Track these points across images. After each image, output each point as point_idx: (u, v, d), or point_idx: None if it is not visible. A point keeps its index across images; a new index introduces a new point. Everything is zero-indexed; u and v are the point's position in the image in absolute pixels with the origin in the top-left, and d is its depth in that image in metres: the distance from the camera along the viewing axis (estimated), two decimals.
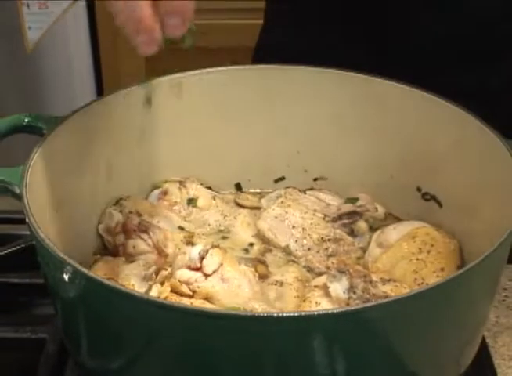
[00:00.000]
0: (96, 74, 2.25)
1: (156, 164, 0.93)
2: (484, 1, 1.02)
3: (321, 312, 0.63)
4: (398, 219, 0.91)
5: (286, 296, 0.79)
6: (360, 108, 0.92)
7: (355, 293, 0.72)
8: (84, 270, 0.65)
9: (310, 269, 0.85)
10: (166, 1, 0.65)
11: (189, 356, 0.65)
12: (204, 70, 0.92)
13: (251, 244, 0.89)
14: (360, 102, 0.91)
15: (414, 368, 0.68)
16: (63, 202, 0.81)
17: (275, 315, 0.62)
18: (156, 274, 0.79)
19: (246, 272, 0.79)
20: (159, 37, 0.66)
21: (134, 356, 0.68)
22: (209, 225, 0.91)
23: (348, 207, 0.89)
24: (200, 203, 0.92)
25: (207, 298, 0.76)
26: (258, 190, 0.98)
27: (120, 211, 0.87)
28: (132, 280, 0.76)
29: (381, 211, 0.92)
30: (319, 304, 0.74)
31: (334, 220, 0.88)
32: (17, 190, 0.75)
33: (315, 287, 0.77)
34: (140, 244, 0.84)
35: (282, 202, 0.89)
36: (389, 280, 0.76)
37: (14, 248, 0.91)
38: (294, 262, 0.85)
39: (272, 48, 1.16)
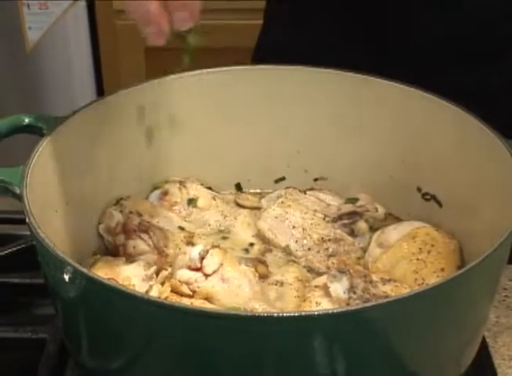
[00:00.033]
0: (96, 75, 2.25)
1: (156, 165, 0.93)
2: (484, 1, 1.02)
3: (321, 312, 0.63)
4: (398, 219, 0.91)
5: (287, 296, 0.79)
6: (360, 108, 0.92)
7: (355, 293, 0.72)
8: (85, 270, 0.65)
9: (310, 269, 0.85)
10: (174, 1, 0.71)
11: (190, 356, 0.65)
12: (204, 71, 0.92)
13: (251, 244, 0.89)
14: (360, 102, 0.92)
15: (414, 368, 0.68)
16: (63, 202, 0.81)
17: (276, 315, 0.62)
18: (157, 274, 0.79)
19: (247, 273, 0.79)
20: (165, 30, 0.72)
21: (134, 356, 0.68)
22: (209, 225, 0.91)
23: (348, 208, 0.89)
24: (200, 203, 0.92)
25: (208, 298, 0.76)
26: (258, 190, 0.98)
27: (121, 212, 0.87)
28: (133, 280, 0.76)
29: (381, 211, 0.92)
30: (319, 304, 0.74)
31: (334, 220, 0.88)
32: (17, 190, 0.75)
33: (316, 287, 0.77)
34: (140, 244, 0.84)
35: (282, 202, 0.89)
36: (389, 280, 0.76)
37: (14, 248, 0.91)
38: (294, 262, 0.86)
39: (271, 48, 1.16)
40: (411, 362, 0.68)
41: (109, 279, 0.72)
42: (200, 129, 0.94)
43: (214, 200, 0.93)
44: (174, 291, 0.77)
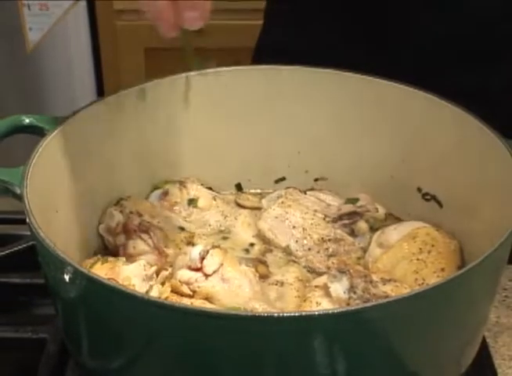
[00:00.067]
0: (97, 75, 2.25)
1: (156, 165, 0.93)
2: (484, 1, 1.02)
3: (321, 312, 0.63)
4: (398, 219, 0.91)
5: (287, 296, 0.79)
6: (360, 108, 0.92)
7: (355, 293, 0.72)
8: (85, 270, 0.66)
9: (310, 269, 0.85)
10: (184, 1, 0.74)
11: (190, 356, 0.65)
12: (204, 71, 0.92)
13: (252, 245, 0.89)
14: (360, 102, 0.92)
15: (414, 368, 0.68)
16: (63, 202, 0.81)
17: (276, 315, 0.62)
18: (157, 274, 0.79)
19: (247, 273, 0.79)
20: (176, 25, 0.76)
21: (134, 356, 0.68)
22: (209, 225, 0.91)
23: (349, 208, 0.89)
24: (200, 203, 0.92)
25: (208, 298, 0.76)
26: (259, 191, 0.98)
27: (121, 212, 0.87)
28: (133, 280, 0.76)
29: (382, 211, 0.92)
30: (319, 304, 0.74)
31: (335, 220, 0.88)
32: (18, 191, 0.76)
33: (316, 287, 0.77)
34: (141, 244, 0.84)
35: (282, 202, 0.89)
36: (389, 280, 0.76)
37: (15, 249, 0.91)
38: (295, 262, 0.86)
39: (271, 49, 1.16)
40: (411, 362, 0.68)
41: (109, 279, 0.72)
42: (200, 129, 0.94)
43: (215, 200, 0.93)
44: (175, 291, 0.77)
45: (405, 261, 0.81)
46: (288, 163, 0.97)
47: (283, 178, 0.97)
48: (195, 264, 0.78)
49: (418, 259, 0.80)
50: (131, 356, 0.69)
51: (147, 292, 0.75)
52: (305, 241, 0.86)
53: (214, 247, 0.79)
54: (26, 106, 2.11)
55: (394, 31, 1.06)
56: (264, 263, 0.84)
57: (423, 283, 0.78)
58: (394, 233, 0.85)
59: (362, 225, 0.88)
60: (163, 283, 0.78)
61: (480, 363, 0.77)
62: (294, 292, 0.79)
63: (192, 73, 0.91)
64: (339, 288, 0.73)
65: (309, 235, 0.87)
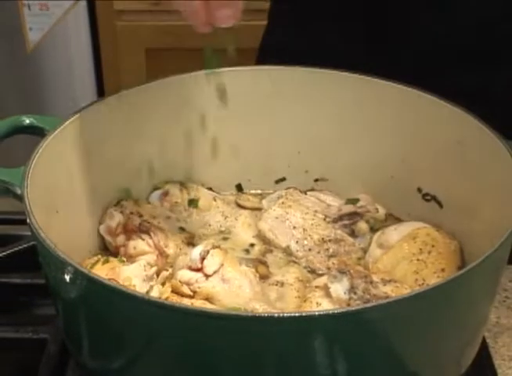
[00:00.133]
0: (97, 75, 2.25)
1: (157, 165, 0.93)
2: (484, 1, 1.02)
3: (322, 313, 0.63)
4: (398, 220, 0.91)
5: (287, 296, 0.79)
6: (360, 108, 0.92)
7: (355, 293, 0.72)
8: (86, 271, 0.66)
9: (311, 270, 0.85)
10: (216, 1, 0.75)
11: (190, 356, 0.65)
12: (204, 72, 0.92)
13: (252, 245, 0.89)
14: (360, 102, 0.92)
15: (414, 368, 0.68)
16: (63, 203, 0.81)
17: (276, 315, 0.62)
18: (157, 275, 0.79)
19: (247, 273, 0.79)
20: (209, 22, 0.77)
21: (135, 357, 0.68)
22: (210, 225, 0.91)
23: (349, 208, 0.89)
24: (200, 204, 0.92)
25: (208, 299, 0.76)
26: (259, 191, 0.98)
27: (121, 212, 0.87)
28: (133, 280, 0.76)
29: (382, 211, 0.92)
30: (319, 304, 0.74)
31: (335, 221, 0.88)
32: (18, 191, 0.76)
33: (316, 287, 0.77)
34: (141, 244, 0.84)
35: (282, 203, 0.89)
36: (390, 281, 0.76)
37: (15, 249, 0.91)
38: (295, 262, 0.86)
39: (275, 49, 1.16)
40: (411, 362, 0.68)
41: (109, 279, 0.72)
42: (200, 130, 0.94)
43: (215, 200, 0.93)
44: (175, 291, 0.77)
45: (406, 261, 0.81)
46: (288, 163, 0.97)
47: (284, 179, 0.97)
48: (195, 264, 0.78)
49: (418, 260, 0.81)
50: (132, 356, 0.69)
51: (148, 292, 0.75)
52: (306, 242, 0.86)
53: (214, 247, 0.79)
54: (26, 107, 2.11)
55: (394, 31, 1.06)
56: (264, 264, 0.84)
57: (423, 284, 0.78)
58: (394, 234, 0.85)
59: (363, 225, 0.88)
60: (163, 284, 0.78)
61: (480, 363, 0.77)
62: (295, 293, 0.79)
63: (193, 73, 0.91)
64: (339, 289, 0.73)
65: (309, 235, 0.87)
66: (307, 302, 0.75)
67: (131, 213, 0.87)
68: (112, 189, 0.89)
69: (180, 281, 0.77)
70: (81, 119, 0.84)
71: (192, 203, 0.92)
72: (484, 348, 0.80)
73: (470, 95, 0.85)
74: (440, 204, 0.89)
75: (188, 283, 0.77)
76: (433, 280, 0.78)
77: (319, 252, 0.86)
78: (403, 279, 0.79)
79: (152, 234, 0.84)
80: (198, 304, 0.75)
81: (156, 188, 0.93)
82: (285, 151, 0.96)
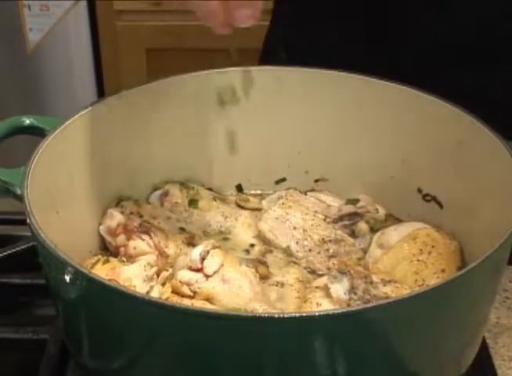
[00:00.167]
0: (97, 75, 2.25)
1: (157, 165, 0.93)
2: (485, 1, 1.02)
3: (322, 313, 0.63)
4: (398, 220, 0.91)
5: (287, 297, 0.79)
6: (360, 109, 0.92)
7: (355, 294, 0.72)
8: (86, 271, 0.66)
9: (311, 270, 0.85)
10: (235, 1, 0.74)
11: (190, 356, 0.65)
12: (205, 72, 0.92)
13: (252, 245, 0.89)
14: (360, 102, 0.92)
15: (414, 369, 0.68)
16: (64, 203, 0.81)
17: (276, 316, 0.62)
18: (158, 275, 0.79)
19: (247, 273, 0.79)
20: (228, 23, 0.76)
21: (135, 357, 0.68)
22: (210, 226, 0.91)
23: (349, 209, 0.89)
24: (200, 204, 0.92)
25: (208, 299, 0.76)
26: (259, 191, 0.98)
27: (122, 212, 0.87)
28: (133, 280, 0.76)
29: (382, 212, 0.92)
30: (319, 305, 0.74)
31: (335, 221, 0.88)
32: (18, 191, 0.76)
33: (316, 287, 0.77)
34: (141, 244, 0.84)
35: (283, 203, 0.89)
36: (390, 281, 0.76)
37: (15, 249, 0.91)
38: (295, 262, 0.86)
39: (274, 49, 1.16)
40: (411, 362, 0.68)
41: (110, 280, 0.72)
42: (201, 130, 0.94)
43: (215, 201, 0.93)
44: (175, 291, 0.77)
45: (406, 262, 0.81)
46: (288, 163, 0.97)
47: (284, 179, 0.97)
48: (195, 265, 0.78)
49: (418, 260, 0.80)
50: (132, 356, 0.69)
51: (148, 293, 0.75)
52: (306, 242, 0.86)
53: (214, 247, 0.79)
54: (26, 107, 2.11)
55: (394, 31, 1.06)
56: (264, 264, 0.84)
57: (423, 284, 0.78)
58: (394, 234, 0.85)
59: (363, 226, 0.88)
60: (163, 284, 0.78)
61: (480, 363, 0.77)
62: (295, 293, 0.79)
63: (194, 74, 0.91)
64: (339, 289, 0.73)
65: (310, 236, 0.87)
66: (307, 303, 0.75)
67: (132, 213, 0.87)
68: (112, 190, 0.89)
69: (180, 281, 0.77)
70: (81, 119, 0.84)
71: (193, 203, 0.92)
72: (484, 348, 0.80)
73: (470, 95, 0.85)
74: (440, 205, 0.89)
75: (188, 284, 0.77)
76: (433, 281, 0.78)
77: (319, 253, 0.86)
78: (403, 279, 0.79)
79: (152, 234, 0.84)
80: (198, 304, 0.75)
81: (156, 188, 0.93)
82: (285, 151, 0.96)
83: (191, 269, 0.78)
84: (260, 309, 0.76)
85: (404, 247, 0.82)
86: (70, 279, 0.67)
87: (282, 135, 0.96)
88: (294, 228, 0.87)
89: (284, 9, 1.16)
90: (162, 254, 0.84)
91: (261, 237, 0.89)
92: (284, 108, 0.94)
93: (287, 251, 0.87)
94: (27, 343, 0.82)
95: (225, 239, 0.90)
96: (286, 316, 0.62)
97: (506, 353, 0.83)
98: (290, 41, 1.14)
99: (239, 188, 0.98)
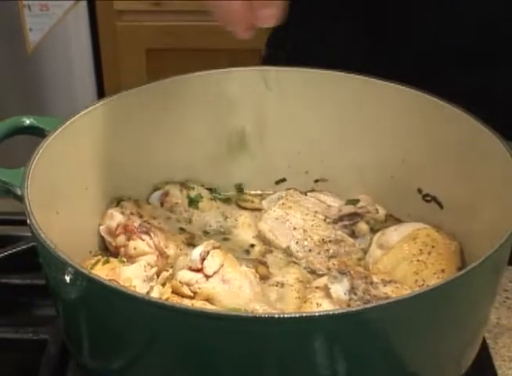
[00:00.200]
0: (97, 76, 2.26)
1: (157, 166, 0.93)
2: (485, 1, 1.02)
3: (322, 313, 0.63)
4: (398, 221, 0.91)
5: (287, 297, 0.79)
6: (360, 108, 0.92)
7: (355, 294, 0.72)
8: (86, 271, 0.66)
9: (311, 271, 0.85)
10: (259, 1, 0.72)
11: (190, 356, 0.65)
12: (205, 72, 0.92)
13: (252, 246, 0.89)
14: (360, 103, 0.92)
15: (415, 369, 0.68)
16: (64, 203, 0.81)
17: (277, 316, 0.62)
18: (158, 275, 0.79)
19: (247, 274, 0.79)
20: (251, 24, 0.73)
21: (135, 357, 0.68)
22: (210, 226, 0.91)
23: (349, 209, 0.89)
24: (201, 204, 0.92)
25: (208, 299, 0.76)
26: (259, 192, 0.98)
27: (122, 213, 0.87)
28: (133, 281, 0.76)
29: (382, 212, 0.92)
30: (319, 305, 0.74)
31: (335, 221, 0.88)
32: (19, 192, 0.76)
33: (316, 288, 0.77)
34: (141, 245, 0.84)
35: (283, 203, 0.89)
36: (390, 282, 0.76)
37: (15, 250, 0.91)
38: (295, 263, 0.86)
39: (274, 49, 1.17)
40: (411, 363, 0.68)
41: (110, 280, 0.72)
42: (200, 130, 0.94)
43: (215, 201, 0.93)
44: (175, 292, 0.77)
45: (406, 262, 0.81)
46: (288, 163, 0.97)
47: (284, 179, 0.97)
48: (195, 265, 0.78)
49: (418, 260, 0.80)
50: (132, 356, 0.69)
51: (148, 293, 0.75)
52: (306, 242, 0.86)
53: (214, 248, 0.79)
54: (26, 107, 2.11)
55: (394, 31, 1.05)
56: (264, 264, 0.84)
57: (423, 285, 0.78)
58: (394, 234, 0.85)
59: (363, 226, 0.88)
60: (163, 284, 0.78)
61: (480, 364, 0.77)
62: (295, 293, 0.79)
63: (195, 74, 0.91)
64: (339, 289, 0.73)
65: (310, 236, 0.87)
66: (307, 303, 0.75)
67: (132, 213, 0.87)
68: (112, 190, 0.89)
69: (180, 282, 0.77)
70: (82, 119, 0.84)
71: (193, 203, 0.92)
72: (484, 348, 0.80)
73: (470, 96, 0.85)
74: (440, 205, 0.89)
75: (188, 284, 0.77)
76: (433, 281, 0.78)
77: (319, 253, 0.86)
78: (403, 279, 0.79)
79: (152, 235, 0.84)
80: (198, 305, 0.75)
81: (156, 188, 0.93)
82: (285, 151, 0.96)
83: (191, 269, 0.78)
84: (260, 309, 0.76)
85: (404, 247, 0.82)
86: (71, 279, 0.67)
87: (282, 135, 0.96)
88: (294, 228, 0.87)
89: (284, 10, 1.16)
90: (162, 254, 0.84)
91: (261, 237, 0.89)
92: (284, 108, 0.94)
93: (287, 252, 0.87)
94: (27, 343, 0.82)
95: (225, 239, 0.90)
96: (286, 316, 0.62)
97: (506, 354, 0.83)
98: (290, 41, 1.14)
99: (240, 188, 0.98)
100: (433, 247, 0.82)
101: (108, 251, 0.87)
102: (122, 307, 0.65)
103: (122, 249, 0.85)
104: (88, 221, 0.87)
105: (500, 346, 0.84)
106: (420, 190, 0.90)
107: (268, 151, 0.97)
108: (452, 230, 0.85)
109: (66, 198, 0.82)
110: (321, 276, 0.82)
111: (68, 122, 0.83)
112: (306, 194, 0.93)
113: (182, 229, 0.90)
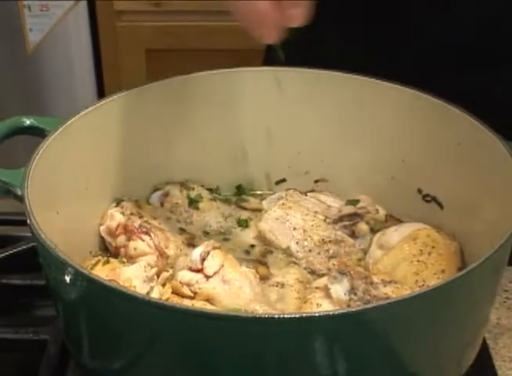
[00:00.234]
0: (97, 76, 2.25)
1: (157, 166, 0.93)
2: (485, 1, 1.02)
3: (322, 314, 0.63)
4: (398, 221, 0.91)
5: (287, 297, 0.79)
6: (360, 109, 0.92)
7: (355, 294, 0.72)
8: (86, 272, 0.66)
9: (311, 271, 0.85)
10: (288, 1, 0.70)
11: (190, 356, 0.65)
12: (206, 72, 0.92)
13: (252, 246, 0.89)
14: (360, 102, 0.92)
15: (415, 369, 0.68)
16: (64, 203, 0.81)
17: (277, 316, 0.62)
18: (158, 276, 0.79)
19: (248, 274, 0.79)
20: (279, 27, 0.71)
21: (135, 357, 0.68)
22: (210, 226, 0.91)
23: (349, 209, 0.89)
24: (201, 205, 0.92)
25: (209, 300, 0.76)
26: (259, 192, 0.98)
27: (122, 213, 0.87)
28: (134, 281, 0.76)
29: (382, 212, 0.92)
30: (320, 305, 0.74)
31: (335, 222, 0.88)
32: (19, 192, 0.76)
33: (316, 288, 0.77)
34: (141, 245, 0.84)
35: (283, 204, 0.89)
36: (390, 282, 0.76)
37: (15, 250, 0.91)
38: (295, 263, 0.86)
39: (274, 49, 1.16)
40: (411, 363, 0.68)
41: (110, 280, 0.72)
42: (200, 131, 0.94)
43: (215, 201, 0.93)
44: (175, 292, 0.77)
45: (406, 262, 0.81)
46: (288, 164, 0.97)
47: (284, 180, 0.97)
48: (196, 265, 0.78)
49: (418, 261, 0.80)
50: (132, 356, 0.69)
51: (148, 293, 0.75)
52: (306, 243, 0.86)
53: (214, 248, 0.79)
54: (26, 107, 2.11)
55: (394, 31, 1.05)
56: (264, 264, 0.84)
57: (423, 285, 0.78)
58: (394, 235, 0.85)
59: (363, 226, 0.88)
60: (164, 285, 0.78)
61: (480, 364, 0.77)
62: (295, 293, 0.79)
63: (196, 74, 0.91)
64: (339, 290, 0.73)
65: (310, 236, 0.87)
66: (307, 303, 0.75)
67: (132, 214, 0.87)
68: (112, 190, 0.89)
69: (180, 282, 0.77)
70: (82, 120, 0.84)
71: (193, 204, 0.92)
72: (484, 349, 0.80)
73: (470, 96, 0.85)
74: (440, 205, 0.89)
75: (188, 284, 0.77)
76: (433, 281, 0.78)
77: (319, 253, 0.86)
78: (403, 280, 0.79)
79: (152, 235, 0.84)
80: (198, 305, 0.75)
81: (156, 189, 0.93)
82: (285, 152, 0.96)
83: (191, 269, 0.78)
84: (260, 309, 0.76)
85: (404, 247, 0.82)
86: (71, 279, 0.67)
87: (282, 135, 0.96)
88: (294, 228, 0.87)
89: None
90: (162, 254, 0.84)
91: (261, 238, 0.89)
92: (284, 108, 0.94)
93: (287, 252, 0.87)
94: (28, 344, 0.82)
95: (226, 239, 0.90)
96: (286, 316, 0.62)
97: (506, 354, 0.83)
98: (290, 42, 1.14)
99: (240, 188, 0.98)
100: (433, 247, 0.82)
101: (108, 251, 0.87)
102: (122, 307, 0.65)
103: (122, 249, 0.85)
104: (88, 221, 0.87)
105: (500, 346, 0.84)
106: (420, 190, 0.90)
107: (268, 151, 0.97)
108: (452, 230, 0.85)
109: (66, 198, 0.82)
110: (321, 276, 0.83)
111: (68, 122, 0.83)
112: (306, 194, 0.93)
113: (182, 230, 0.90)
